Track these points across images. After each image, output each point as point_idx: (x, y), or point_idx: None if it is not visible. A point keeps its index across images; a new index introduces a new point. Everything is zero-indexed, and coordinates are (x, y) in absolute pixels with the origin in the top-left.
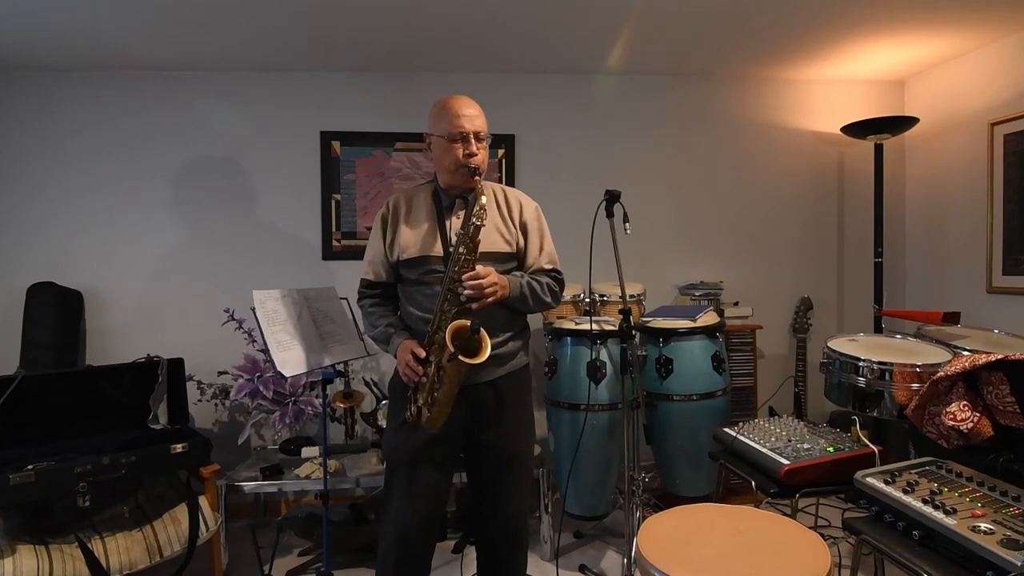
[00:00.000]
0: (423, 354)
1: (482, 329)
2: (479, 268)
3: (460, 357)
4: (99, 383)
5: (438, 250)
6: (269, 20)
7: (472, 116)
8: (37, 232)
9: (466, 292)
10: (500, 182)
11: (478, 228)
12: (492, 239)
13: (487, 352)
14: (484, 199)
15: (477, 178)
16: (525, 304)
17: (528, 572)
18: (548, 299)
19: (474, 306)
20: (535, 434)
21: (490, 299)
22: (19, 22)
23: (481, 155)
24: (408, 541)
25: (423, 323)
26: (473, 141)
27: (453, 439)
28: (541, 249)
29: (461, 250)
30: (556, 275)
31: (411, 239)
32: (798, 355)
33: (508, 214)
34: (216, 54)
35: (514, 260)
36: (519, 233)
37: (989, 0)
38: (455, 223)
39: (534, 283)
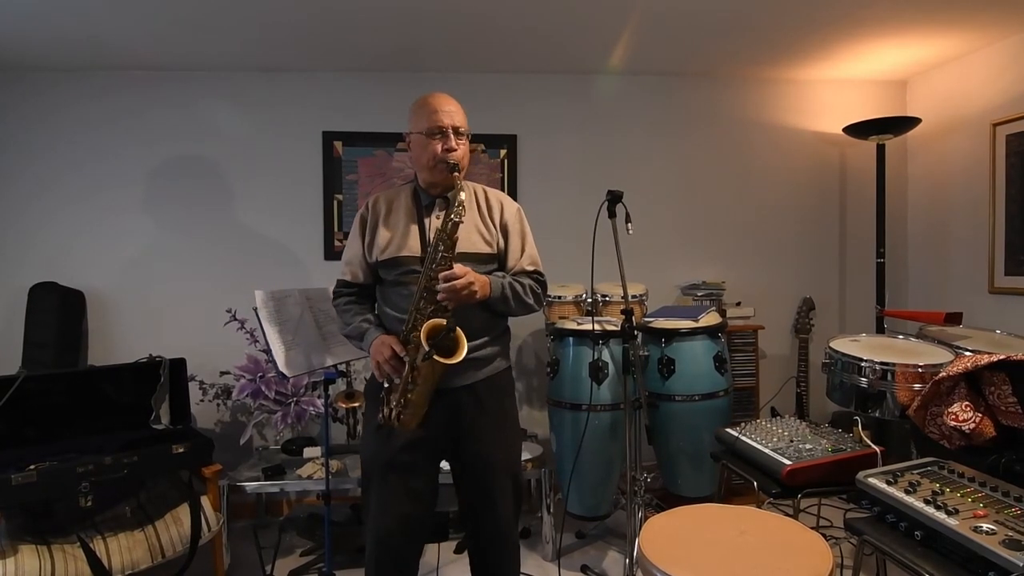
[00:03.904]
0: (402, 352)
1: (459, 328)
2: (456, 267)
3: (435, 357)
4: (101, 383)
5: (416, 250)
6: (271, 21)
7: (451, 111)
8: (39, 232)
9: (440, 293)
10: (502, 182)
11: (456, 225)
12: (471, 240)
13: (463, 352)
14: (463, 195)
15: (457, 174)
16: (507, 306)
17: (529, 573)
18: (531, 301)
19: (450, 305)
20: (520, 438)
21: (465, 299)
22: (21, 23)
23: (461, 151)
24: (388, 547)
25: (399, 324)
26: (452, 136)
27: (431, 444)
28: (522, 251)
29: (439, 247)
30: (538, 277)
31: (389, 240)
32: (800, 355)
33: (488, 215)
34: (218, 55)
35: (494, 262)
36: (499, 234)
37: (991, 1)
38: (434, 223)
39: (516, 284)
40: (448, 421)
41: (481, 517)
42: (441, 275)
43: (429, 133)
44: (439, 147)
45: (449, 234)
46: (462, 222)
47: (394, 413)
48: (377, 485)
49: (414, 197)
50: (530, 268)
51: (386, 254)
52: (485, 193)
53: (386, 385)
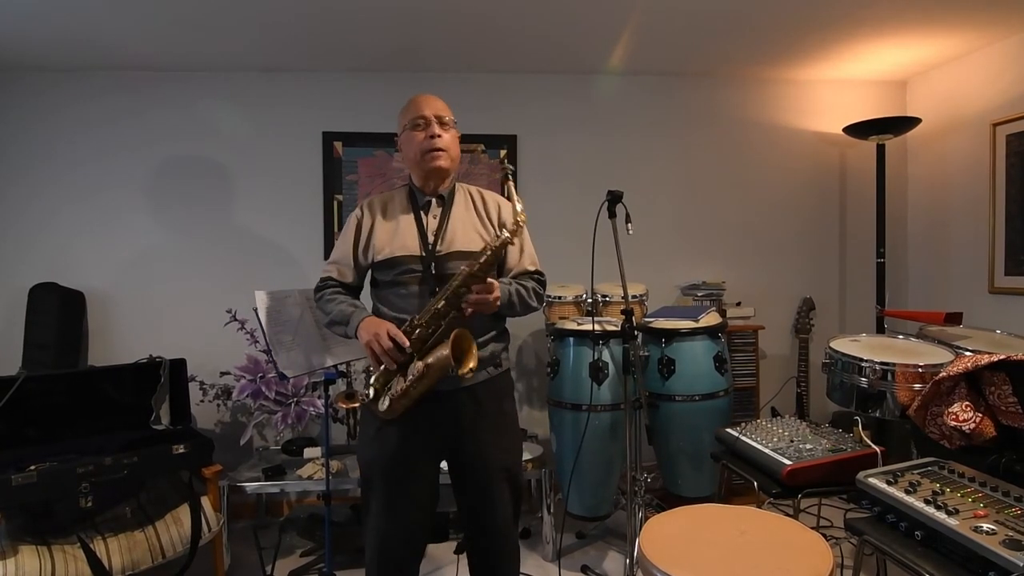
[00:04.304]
0: (406, 343)
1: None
2: (491, 282)
3: (460, 372)
4: (101, 384)
5: (414, 250)
6: (271, 20)
7: (433, 102)
8: (40, 232)
9: (467, 302)
10: (502, 182)
11: (506, 243)
12: (470, 238)
13: (472, 364)
14: (520, 206)
15: (510, 181)
16: (511, 311)
17: (529, 573)
18: (534, 303)
19: (468, 312)
20: (520, 439)
21: (488, 311)
22: (21, 23)
23: (445, 139)
24: (389, 553)
25: (397, 323)
26: (435, 124)
27: (431, 447)
28: (522, 251)
29: (481, 260)
30: (539, 277)
31: (386, 240)
32: (800, 355)
33: (486, 215)
34: (218, 55)
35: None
36: (497, 234)
37: (991, 1)
38: (431, 222)
39: (521, 289)
40: (447, 423)
41: (481, 518)
42: (476, 287)
43: (412, 125)
44: (422, 136)
45: (496, 251)
46: (513, 244)
47: (387, 403)
48: (377, 491)
49: (410, 197)
50: (531, 268)
51: (384, 254)
52: (481, 194)
53: (371, 370)
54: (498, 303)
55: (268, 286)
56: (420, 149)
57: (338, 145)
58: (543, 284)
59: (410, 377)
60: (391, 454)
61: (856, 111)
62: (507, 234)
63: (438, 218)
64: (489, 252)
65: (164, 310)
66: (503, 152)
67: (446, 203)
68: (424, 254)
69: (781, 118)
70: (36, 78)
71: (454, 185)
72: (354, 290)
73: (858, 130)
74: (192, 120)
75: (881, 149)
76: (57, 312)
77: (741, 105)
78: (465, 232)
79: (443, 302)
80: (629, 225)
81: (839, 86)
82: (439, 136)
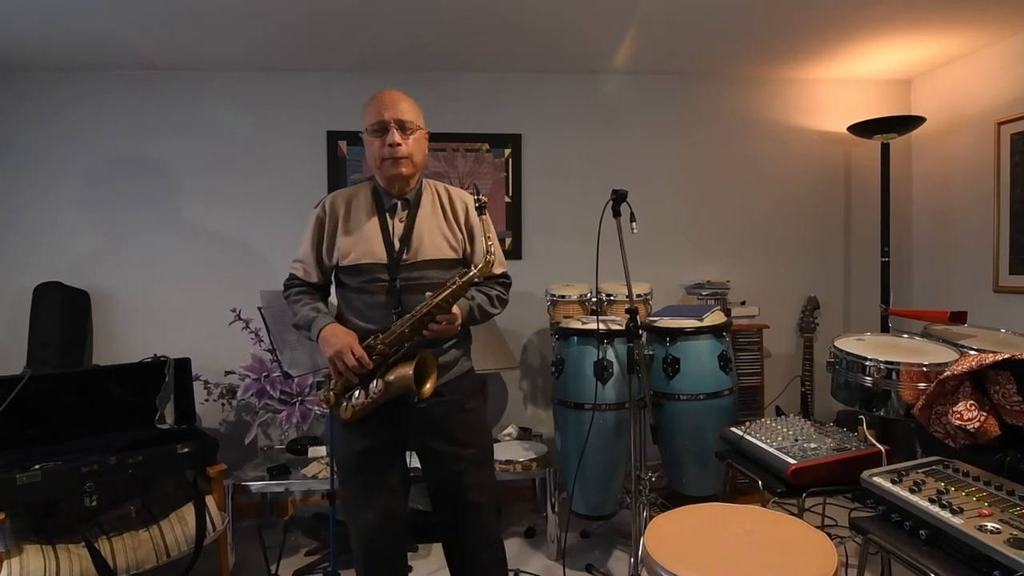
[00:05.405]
0: (369, 365)
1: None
2: (455, 312)
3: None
4: (106, 383)
5: (380, 257)
6: (274, 19)
7: (394, 104)
8: (44, 232)
9: (429, 332)
10: (507, 181)
11: (471, 282)
12: (437, 245)
13: (430, 387)
14: (490, 243)
15: (485, 216)
16: (473, 324)
17: (535, 572)
18: (496, 311)
19: (428, 335)
20: (491, 435)
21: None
22: (24, 23)
23: (406, 146)
24: (373, 544)
25: (364, 333)
26: (394, 130)
27: (397, 440)
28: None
29: (447, 291)
30: (505, 280)
31: (351, 244)
32: (805, 354)
33: (453, 217)
34: (222, 54)
35: (459, 265)
36: (465, 238)
37: None
38: (397, 227)
39: (484, 301)
40: (416, 424)
41: (462, 520)
42: (441, 316)
43: (371, 130)
44: (380, 143)
45: (463, 286)
46: (479, 281)
47: (350, 411)
48: (353, 485)
49: (375, 197)
50: (499, 272)
51: (349, 260)
52: (448, 193)
53: (336, 378)
54: (459, 327)
55: (272, 285)
56: (379, 156)
57: (342, 144)
58: (508, 287)
59: (371, 393)
60: (360, 449)
61: (860, 110)
62: (475, 271)
63: (404, 222)
64: (455, 286)
65: (168, 309)
66: (508, 151)
67: (412, 205)
68: (390, 261)
69: (785, 117)
70: (38, 78)
71: (421, 185)
72: (320, 288)
73: (862, 129)
74: (196, 119)
75: (885, 148)
76: (61, 311)
77: (745, 104)
78: (432, 238)
79: (407, 328)
80: (634, 224)
81: (843, 85)
82: (398, 144)
